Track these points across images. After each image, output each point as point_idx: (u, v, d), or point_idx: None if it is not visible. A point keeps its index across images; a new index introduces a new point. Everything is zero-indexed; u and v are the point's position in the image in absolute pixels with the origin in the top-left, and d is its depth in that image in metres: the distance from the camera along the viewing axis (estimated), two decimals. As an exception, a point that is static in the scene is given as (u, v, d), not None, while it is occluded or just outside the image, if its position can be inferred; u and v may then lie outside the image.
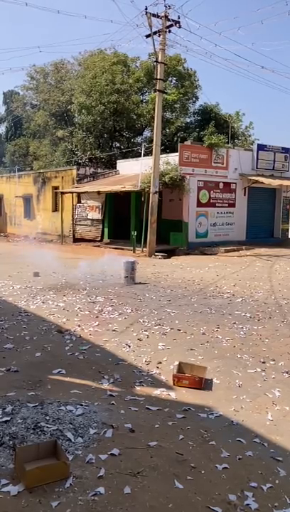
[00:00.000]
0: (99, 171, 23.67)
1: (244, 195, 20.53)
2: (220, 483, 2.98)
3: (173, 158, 18.49)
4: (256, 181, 19.77)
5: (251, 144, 24.94)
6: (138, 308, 8.06)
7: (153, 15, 16.12)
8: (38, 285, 10.06)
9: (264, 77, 75.17)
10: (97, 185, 21.03)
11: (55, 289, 9.62)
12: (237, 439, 3.56)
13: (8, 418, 3.69)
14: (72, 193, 22.15)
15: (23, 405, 3.95)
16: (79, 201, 22.61)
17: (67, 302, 8.40)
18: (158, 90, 17.09)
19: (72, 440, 3.40)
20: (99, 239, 21.30)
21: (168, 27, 16.52)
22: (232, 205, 20.15)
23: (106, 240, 21.03)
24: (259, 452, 3.39)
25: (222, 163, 19.53)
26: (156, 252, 16.94)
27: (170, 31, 16.72)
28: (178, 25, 16.38)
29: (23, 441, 3.35)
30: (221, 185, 19.60)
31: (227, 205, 19.95)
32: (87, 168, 23.77)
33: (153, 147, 16.99)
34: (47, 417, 3.72)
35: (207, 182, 19.07)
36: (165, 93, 20.54)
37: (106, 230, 21.31)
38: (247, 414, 4.03)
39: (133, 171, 20.51)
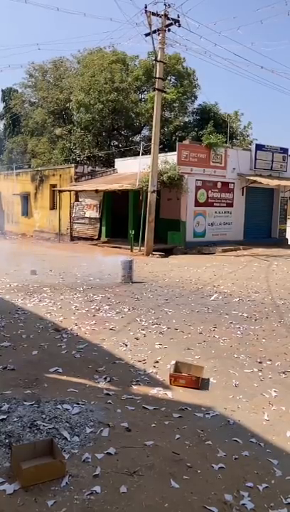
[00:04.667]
0: (97, 169, 23.63)
1: (242, 195, 20.53)
2: (216, 482, 2.98)
3: (172, 157, 18.48)
4: (255, 181, 19.77)
5: (250, 144, 24.96)
6: (136, 307, 8.06)
7: (153, 13, 16.08)
8: (35, 283, 10.05)
9: (264, 77, 75.26)
10: (95, 183, 21.00)
11: (52, 288, 9.60)
12: (234, 438, 3.56)
13: (5, 416, 3.69)
14: (70, 191, 22.11)
15: (20, 404, 3.95)
16: (77, 199, 22.58)
17: (64, 301, 8.39)
18: (157, 89, 17.07)
19: (69, 439, 3.39)
20: (96, 237, 21.27)
21: (168, 26, 16.48)
22: (230, 205, 20.15)
23: (103, 238, 21.00)
24: (256, 452, 3.39)
25: (221, 163, 19.53)
26: (154, 251, 16.94)
27: (169, 30, 16.68)
28: (177, 24, 16.34)
29: (19, 440, 3.34)
30: (219, 185, 19.59)
31: (225, 204, 19.94)
32: (85, 166, 23.73)
33: (152, 146, 16.98)
34: (44, 416, 3.72)
35: (206, 181, 19.06)
36: (165, 92, 20.52)
37: (103, 229, 21.28)
38: (244, 414, 4.03)
39: (131, 170, 20.49)
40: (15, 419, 3.65)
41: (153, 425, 3.71)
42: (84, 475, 2.97)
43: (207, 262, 15.10)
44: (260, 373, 5.02)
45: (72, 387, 4.40)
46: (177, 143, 19.39)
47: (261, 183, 19.58)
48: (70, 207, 22.46)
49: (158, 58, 16.78)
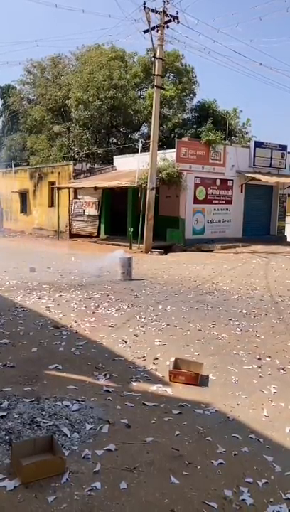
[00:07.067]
0: (95, 166, 23.58)
1: (241, 192, 20.53)
2: (216, 478, 2.99)
3: (170, 154, 18.45)
4: (253, 178, 19.76)
5: (249, 141, 24.90)
6: (135, 304, 8.07)
7: (152, 10, 16.03)
8: (34, 280, 10.04)
9: (263, 74, 75.04)
10: (94, 180, 20.96)
11: (51, 285, 9.60)
12: (233, 435, 3.57)
13: (4, 413, 3.70)
14: (68, 188, 22.08)
15: (19, 400, 3.96)
16: (75, 197, 22.55)
17: (63, 298, 8.39)
18: (156, 86, 17.03)
19: (69, 435, 3.40)
20: (95, 235, 21.25)
21: (166, 22, 16.42)
22: (229, 202, 20.15)
23: (102, 236, 20.99)
24: (255, 448, 3.40)
25: (219, 160, 19.52)
26: (153, 248, 16.94)
27: (168, 27, 16.62)
28: (176, 20, 16.29)
29: (19, 437, 3.35)
30: (218, 182, 19.59)
31: (223, 202, 19.95)
32: (84, 163, 23.68)
33: (151, 143, 16.94)
34: (44, 413, 3.73)
35: (204, 179, 19.05)
36: (163, 89, 20.45)
37: (102, 226, 21.27)
38: (243, 410, 4.04)
39: (130, 167, 20.46)
40: (15, 416, 3.66)
41: (153, 422, 3.72)
42: (85, 471, 2.97)
43: (206, 259, 15.11)
44: (259, 370, 5.03)
45: (72, 384, 4.41)
46: (176, 140, 19.37)
47: (260, 180, 19.58)
48: (69, 204, 22.44)
49: (157, 55, 16.73)
